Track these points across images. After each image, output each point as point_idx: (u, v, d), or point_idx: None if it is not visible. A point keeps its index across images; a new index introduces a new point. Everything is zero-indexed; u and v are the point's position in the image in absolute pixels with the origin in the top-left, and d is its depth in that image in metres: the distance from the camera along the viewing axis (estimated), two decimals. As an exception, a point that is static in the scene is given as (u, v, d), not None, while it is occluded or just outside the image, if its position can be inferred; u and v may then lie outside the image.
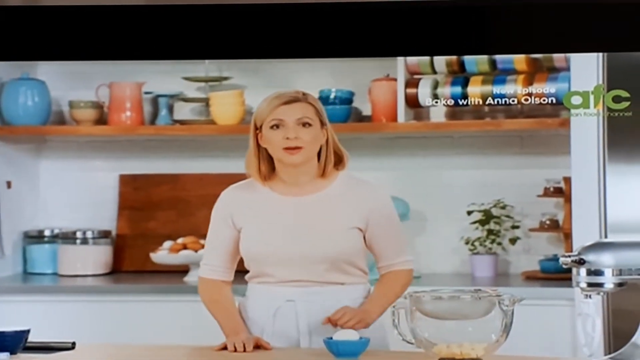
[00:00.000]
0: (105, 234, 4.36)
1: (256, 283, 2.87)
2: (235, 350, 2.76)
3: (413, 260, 2.90)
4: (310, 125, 2.81)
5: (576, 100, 3.12)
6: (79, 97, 4.36)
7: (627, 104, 3.06)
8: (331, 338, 2.67)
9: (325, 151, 2.85)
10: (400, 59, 4.13)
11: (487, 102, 4.09)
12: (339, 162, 2.87)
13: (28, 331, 2.71)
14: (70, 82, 4.39)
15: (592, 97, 3.11)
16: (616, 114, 3.10)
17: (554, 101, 3.44)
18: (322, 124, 2.84)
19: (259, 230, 2.83)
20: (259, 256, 2.83)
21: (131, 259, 4.39)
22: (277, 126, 2.81)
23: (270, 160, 2.86)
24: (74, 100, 4.37)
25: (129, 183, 4.46)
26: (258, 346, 2.79)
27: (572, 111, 3.15)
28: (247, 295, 2.91)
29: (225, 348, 2.80)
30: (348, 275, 2.85)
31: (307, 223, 2.82)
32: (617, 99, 3.08)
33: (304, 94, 2.85)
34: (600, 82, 3.50)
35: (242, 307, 2.90)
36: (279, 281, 2.83)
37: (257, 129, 2.85)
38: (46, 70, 4.36)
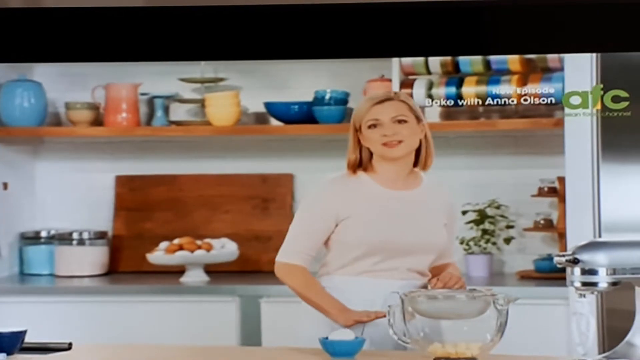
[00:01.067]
0: (101, 235, 4.37)
1: (351, 275, 2.89)
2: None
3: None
4: (406, 121, 2.91)
5: (575, 100, 3.14)
6: (75, 99, 4.37)
7: (626, 103, 3.08)
8: (327, 338, 2.67)
9: (425, 145, 2.95)
10: (395, 60, 4.14)
11: (482, 103, 4.11)
12: (429, 160, 2.98)
13: (25, 332, 2.72)
14: (66, 83, 4.40)
15: (590, 97, 3.12)
16: (615, 114, 3.11)
17: (549, 101, 3.45)
18: (418, 119, 2.94)
19: (368, 220, 2.89)
20: (367, 245, 2.87)
21: (127, 260, 4.40)
22: (375, 125, 2.90)
23: (371, 156, 2.94)
24: (70, 101, 4.38)
25: (125, 184, 4.46)
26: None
27: (568, 111, 3.16)
28: (334, 286, 2.90)
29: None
30: (430, 268, 2.94)
31: (410, 215, 2.90)
32: (616, 99, 3.09)
33: (395, 92, 2.97)
34: (594, 82, 3.51)
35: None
36: (380, 270, 2.87)
37: (357, 130, 2.94)
38: (42, 72, 4.37)
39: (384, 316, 2.72)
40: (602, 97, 3.12)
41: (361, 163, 2.93)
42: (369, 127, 2.91)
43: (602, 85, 3.12)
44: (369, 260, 2.87)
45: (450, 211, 2.98)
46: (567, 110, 3.17)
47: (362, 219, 2.89)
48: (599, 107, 3.13)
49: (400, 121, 2.90)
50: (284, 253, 2.92)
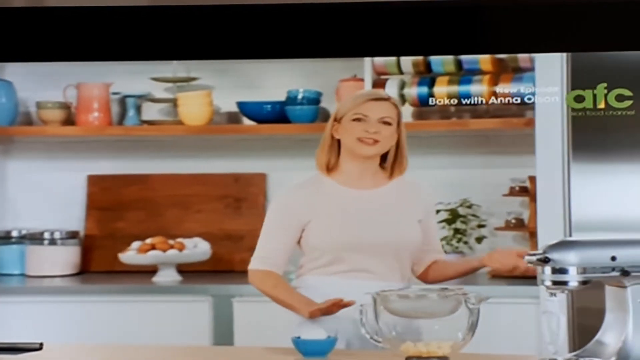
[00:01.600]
0: (73, 235, 4.35)
1: (319, 275, 2.90)
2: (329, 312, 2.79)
3: None
4: (390, 124, 2.92)
5: (579, 99, 3.15)
6: (47, 98, 4.35)
7: (629, 102, 3.10)
8: (299, 337, 2.68)
9: (395, 152, 2.95)
10: (367, 60, 4.15)
11: (453, 102, 4.12)
12: (404, 167, 2.99)
13: (-4, 332, 2.70)
14: (37, 82, 4.38)
15: (595, 96, 3.14)
16: (619, 113, 3.13)
17: (519, 100, 3.47)
18: (399, 126, 2.95)
19: (331, 221, 2.90)
20: (332, 245, 2.88)
21: (99, 260, 4.38)
22: (360, 120, 2.91)
23: (338, 153, 2.94)
24: (42, 100, 4.36)
25: (97, 183, 4.45)
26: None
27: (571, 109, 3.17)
28: (304, 286, 2.92)
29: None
30: (405, 266, 2.93)
31: (376, 214, 2.91)
32: (619, 98, 3.12)
33: (388, 95, 2.98)
34: (565, 82, 3.53)
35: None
36: (346, 270, 2.88)
37: (336, 120, 2.94)
38: (13, 71, 4.35)
39: (348, 305, 2.75)
40: (606, 95, 3.14)
41: (329, 161, 2.94)
42: (354, 119, 2.92)
43: (606, 84, 3.13)
44: (338, 262, 2.89)
45: (427, 207, 2.99)
46: (575, 108, 3.18)
47: (324, 222, 2.90)
48: (602, 105, 3.15)
49: (385, 122, 2.92)
50: (255, 260, 2.96)
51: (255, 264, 2.96)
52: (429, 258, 2.99)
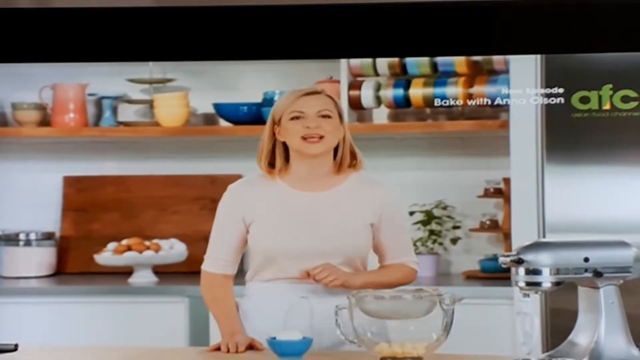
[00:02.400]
0: (49, 236, 4.34)
1: (263, 281, 2.85)
2: (228, 351, 2.76)
3: (418, 264, 2.93)
4: (330, 117, 2.82)
5: (585, 100, 3.17)
6: (22, 99, 4.34)
7: (635, 103, 3.12)
8: (274, 338, 2.69)
9: (342, 147, 2.86)
10: (344, 61, 4.16)
11: (429, 105, 4.14)
12: (354, 161, 2.88)
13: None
14: (12, 83, 4.37)
15: (600, 97, 3.16)
16: (624, 114, 3.15)
17: (494, 103, 3.49)
18: (341, 119, 2.86)
19: (272, 224, 2.82)
20: (272, 250, 2.82)
21: (75, 261, 4.37)
22: (298, 117, 2.82)
23: (285, 154, 2.86)
24: (17, 102, 4.34)
25: (72, 185, 4.44)
26: (252, 347, 2.78)
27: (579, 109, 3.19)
28: (250, 294, 2.88)
29: (218, 349, 2.79)
30: (356, 271, 2.85)
31: (322, 218, 2.82)
32: (625, 99, 3.14)
33: (322, 88, 2.88)
34: (539, 83, 3.56)
35: (242, 307, 2.88)
36: (291, 277, 2.81)
37: (276, 123, 2.85)
38: (-12, 72, 4.34)
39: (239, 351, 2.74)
40: (611, 97, 3.15)
41: (274, 162, 2.85)
42: (292, 118, 2.82)
43: (611, 85, 3.15)
44: (274, 266, 2.82)
45: (383, 210, 2.85)
46: (580, 108, 3.19)
47: (264, 223, 2.83)
48: (608, 106, 3.17)
49: (324, 116, 2.81)
50: (206, 260, 2.91)
51: (206, 264, 2.90)
52: (386, 262, 2.89)
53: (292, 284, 2.83)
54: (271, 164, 2.86)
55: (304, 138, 2.81)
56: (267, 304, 2.84)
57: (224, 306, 2.86)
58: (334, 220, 2.82)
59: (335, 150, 2.86)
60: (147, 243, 4.22)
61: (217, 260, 2.88)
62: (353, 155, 2.88)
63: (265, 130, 2.87)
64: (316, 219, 2.82)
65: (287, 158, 2.86)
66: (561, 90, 3.19)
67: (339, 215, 2.83)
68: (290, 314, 2.82)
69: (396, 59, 4.13)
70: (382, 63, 4.16)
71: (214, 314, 2.88)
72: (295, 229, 2.81)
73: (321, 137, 2.81)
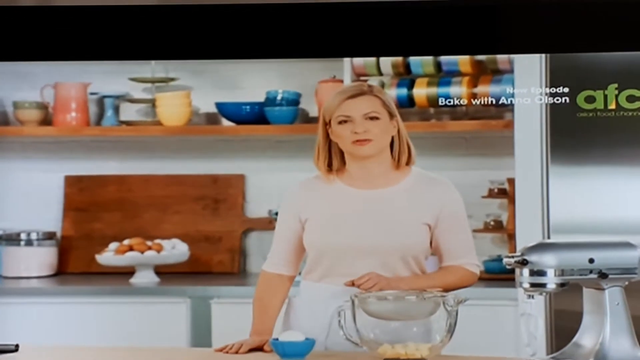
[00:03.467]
0: (50, 236, 4.33)
1: (314, 280, 2.84)
2: (229, 352, 2.75)
3: (480, 267, 2.88)
4: (377, 118, 2.81)
5: (590, 99, 3.15)
6: (24, 98, 4.33)
7: None
8: (277, 339, 2.67)
9: (398, 142, 2.84)
10: (347, 61, 4.15)
11: (433, 104, 4.13)
12: (410, 156, 2.86)
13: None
14: (14, 82, 4.36)
15: (605, 97, 3.14)
16: (630, 114, 3.14)
17: (498, 102, 3.47)
18: (391, 115, 2.83)
19: (325, 221, 2.81)
20: (322, 247, 2.80)
21: (76, 261, 4.36)
22: (345, 121, 2.80)
23: (341, 154, 2.85)
24: (18, 100, 4.33)
25: (74, 184, 4.43)
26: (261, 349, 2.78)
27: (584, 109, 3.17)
28: (301, 292, 2.86)
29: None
30: (412, 272, 2.82)
31: (375, 215, 2.80)
32: (630, 99, 3.12)
33: (369, 86, 2.85)
34: (543, 83, 3.54)
35: (293, 305, 2.87)
36: (340, 275, 2.79)
37: (327, 123, 2.84)
38: (-10, 71, 4.33)
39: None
40: (617, 96, 3.14)
41: (331, 162, 2.84)
42: (340, 122, 2.81)
43: (617, 85, 3.13)
44: (325, 264, 2.81)
45: (441, 210, 2.81)
46: (585, 108, 3.18)
47: (318, 220, 2.82)
48: (613, 106, 3.15)
49: (372, 118, 2.80)
50: (266, 262, 2.90)
51: (265, 264, 2.90)
52: (442, 264, 2.85)
53: (339, 286, 2.79)
54: (329, 165, 2.86)
55: (354, 142, 2.80)
56: (314, 304, 2.83)
57: (263, 306, 2.85)
58: (387, 218, 2.80)
59: (392, 145, 2.84)
60: (148, 243, 4.21)
61: (273, 260, 2.88)
62: (409, 151, 2.86)
63: (319, 130, 2.86)
64: (369, 216, 2.80)
65: (343, 157, 2.85)
66: (566, 90, 3.17)
67: (392, 213, 2.81)
68: (335, 317, 2.79)
69: (400, 59, 4.12)
70: (386, 62, 4.15)
71: (252, 313, 2.86)
72: (347, 226, 2.80)
73: (368, 140, 2.80)
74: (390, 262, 2.79)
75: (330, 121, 2.83)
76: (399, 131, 2.84)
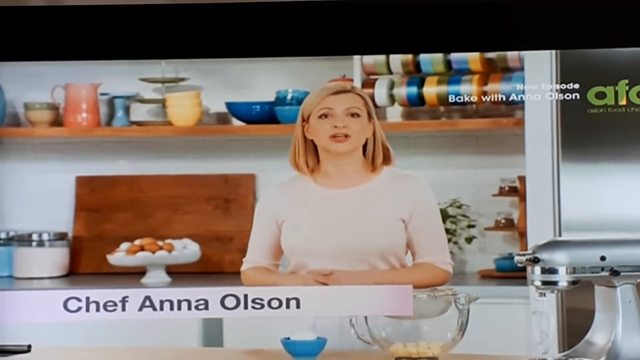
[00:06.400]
0: (61, 236, 4.34)
1: None
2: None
3: (452, 265, 2.88)
4: (358, 115, 2.83)
5: (600, 95, 3.15)
6: (34, 99, 4.34)
7: None
8: (288, 338, 2.67)
9: (373, 144, 2.85)
10: (357, 59, 4.15)
11: (443, 103, 4.13)
12: (386, 157, 2.88)
13: (-17, 335, 2.69)
14: (25, 83, 4.36)
15: (616, 93, 3.13)
16: (638, 110, 3.13)
17: (509, 100, 3.47)
18: (370, 117, 2.85)
19: (302, 223, 2.83)
20: (302, 249, 2.82)
21: (88, 261, 4.37)
22: (326, 115, 2.83)
23: (315, 152, 2.86)
24: (29, 101, 4.34)
25: (85, 185, 4.44)
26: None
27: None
28: None
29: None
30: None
31: (353, 215, 2.81)
32: None
33: (352, 86, 2.92)
34: (553, 80, 3.53)
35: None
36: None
37: (304, 120, 2.86)
38: (0, 72, 4.33)
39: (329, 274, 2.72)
40: (627, 92, 3.13)
41: (307, 161, 2.86)
42: (320, 116, 2.83)
43: (627, 81, 3.12)
44: (305, 266, 2.82)
45: (414, 205, 2.83)
46: (595, 104, 3.17)
47: (294, 222, 2.84)
48: (624, 102, 3.14)
49: (353, 114, 2.83)
50: (245, 263, 2.92)
51: (243, 266, 2.94)
52: (416, 260, 2.87)
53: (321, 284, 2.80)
54: (307, 163, 2.86)
55: (332, 137, 2.81)
56: None
57: (275, 274, 2.86)
58: (363, 217, 2.82)
59: (365, 147, 2.85)
60: (160, 243, 4.21)
61: (255, 264, 2.89)
62: (386, 151, 2.87)
63: (296, 129, 2.88)
64: (345, 216, 2.82)
65: (317, 157, 2.86)
66: (577, 86, 3.16)
67: (368, 211, 2.82)
68: (319, 317, 2.80)
69: (410, 57, 4.12)
70: (396, 61, 4.15)
71: (275, 282, 2.85)
72: (325, 227, 2.81)
73: (347, 136, 2.81)
74: (371, 260, 2.80)
75: (308, 117, 2.85)
76: (374, 133, 2.86)
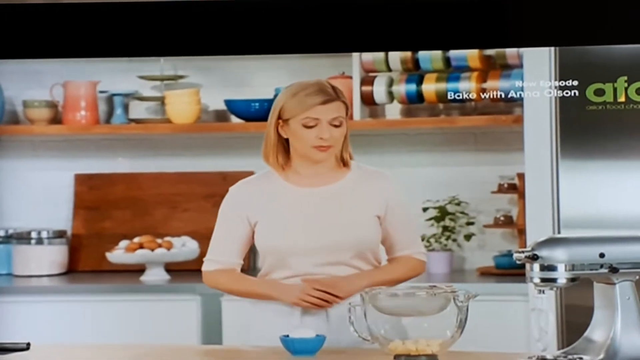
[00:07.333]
0: (60, 234, 4.34)
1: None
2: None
3: (426, 255, 2.91)
4: (341, 125, 2.80)
5: (599, 92, 3.15)
6: (33, 97, 4.34)
7: None
8: (287, 336, 2.67)
9: (344, 145, 2.84)
10: (356, 57, 4.14)
11: (442, 100, 4.13)
12: (350, 153, 2.87)
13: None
14: (24, 81, 4.36)
15: (615, 89, 3.13)
16: (639, 106, 3.13)
17: (508, 97, 3.47)
18: (347, 118, 2.83)
19: (278, 223, 2.80)
20: (280, 249, 2.79)
21: (87, 259, 4.37)
22: (312, 126, 2.78)
23: (286, 150, 2.83)
24: (28, 99, 4.34)
25: (84, 182, 4.43)
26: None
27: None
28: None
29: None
30: (369, 265, 2.83)
31: (327, 213, 2.80)
32: None
33: (334, 89, 2.82)
34: (552, 77, 3.53)
35: (249, 312, 2.86)
36: (301, 274, 2.79)
37: (281, 119, 2.81)
38: (-1, 70, 4.34)
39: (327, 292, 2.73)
40: (626, 89, 3.13)
41: (278, 158, 2.82)
42: (305, 125, 2.78)
43: (626, 77, 3.12)
44: (284, 266, 2.80)
45: (388, 201, 2.82)
46: (595, 101, 3.17)
47: (269, 222, 2.81)
48: (623, 99, 3.14)
49: (336, 125, 2.79)
50: (207, 262, 2.87)
51: (206, 265, 2.87)
52: (392, 254, 2.86)
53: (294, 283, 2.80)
54: (278, 159, 2.84)
55: (316, 146, 2.79)
56: (281, 305, 2.81)
57: (251, 279, 2.83)
58: (339, 214, 2.81)
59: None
60: (158, 241, 4.21)
61: (221, 261, 2.85)
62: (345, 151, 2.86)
63: (269, 125, 2.83)
64: (322, 214, 2.80)
65: (287, 154, 2.84)
66: (575, 83, 3.17)
67: (344, 208, 2.81)
68: (305, 315, 2.80)
69: (409, 55, 4.12)
70: (395, 58, 4.15)
71: (249, 290, 2.83)
72: (302, 226, 2.79)
73: (330, 147, 2.80)
74: (348, 257, 2.80)
75: (287, 119, 2.80)
76: (346, 135, 2.84)
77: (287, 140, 2.84)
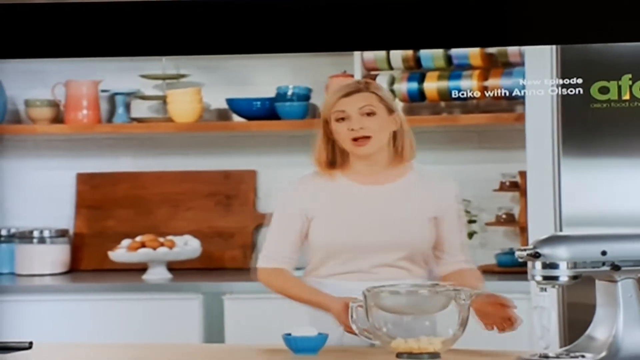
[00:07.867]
0: (62, 233, 4.34)
1: (321, 277, 2.83)
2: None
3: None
4: (374, 113, 2.81)
5: (604, 90, 3.14)
6: (35, 96, 4.34)
7: None
8: (289, 334, 2.67)
9: (402, 137, 2.85)
10: (357, 55, 4.14)
11: (444, 98, 4.12)
12: (412, 151, 2.88)
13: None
14: (26, 80, 4.36)
15: (619, 87, 3.13)
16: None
17: (510, 95, 3.46)
18: (390, 110, 2.83)
19: (334, 219, 2.81)
20: (334, 245, 2.80)
21: (89, 258, 4.37)
22: (342, 119, 2.81)
23: (343, 150, 2.84)
24: (30, 99, 4.34)
25: (86, 181, 4.44)
26: None
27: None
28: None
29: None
30: (418, 267, 2.84)
31: (383, 211, 2.80)
32: None
33: (366, 82, 2.85)
34: (554, 75, 3.53)
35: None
36: (350, 272, 2.79)
37: (327, 122, 2.84)
38: (1, 69, 4.33)
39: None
40: (630, 87, 3.13)
41: (334, 159, 2.84)
42: (337, 120, 2.82)
43: (630, 75, 3.12)
44: (334, 261, 2.81)
45: (444, 203, 2.85)
46: (599, 99, 3.17)
47: (326, 218, 2.82)
48: (627, 97, 3.14)
49: (368, 114, 2.80)
50: (263, 258, 2.88)
51: (263, 262, 2.88)
52: (447, 267, 2.86)
53: (349, 281, 2.80)
54: (331, 163, 2.84)
55: (352, 139, 2.80)
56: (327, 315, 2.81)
57: (305, 285, 2.82)
58: (395, 213, 2.81)
59: (394, 140, 2.84)
60: (161, 239, 4.21)
61: (276, 257, 2.85)
62: (410, 145, 2.87)
63: (320, 128, 2.86)
64: (378, 212, 2.81)
65: (345, 154, 2.85)
66: (580, 81, 3.16)
67: (400, 208, 2.81)
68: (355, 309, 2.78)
69: (410, 53, 4.12)
70: (396, 57, 4.15)
71: (300, 296, 2.82)
72: (357, 223, 2.80)
73: (367, 138, 2.80)
74: (399, 257, 2.80)
75: (329, 119, 2.84)
76: (401, 125, 2.84)
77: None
